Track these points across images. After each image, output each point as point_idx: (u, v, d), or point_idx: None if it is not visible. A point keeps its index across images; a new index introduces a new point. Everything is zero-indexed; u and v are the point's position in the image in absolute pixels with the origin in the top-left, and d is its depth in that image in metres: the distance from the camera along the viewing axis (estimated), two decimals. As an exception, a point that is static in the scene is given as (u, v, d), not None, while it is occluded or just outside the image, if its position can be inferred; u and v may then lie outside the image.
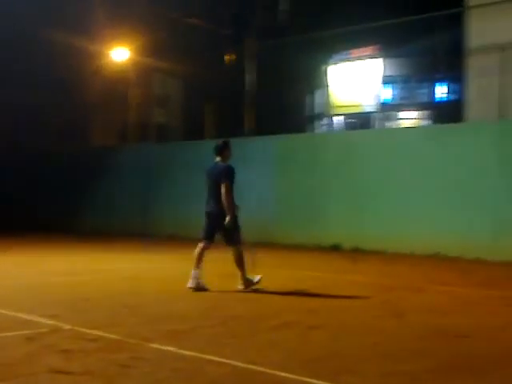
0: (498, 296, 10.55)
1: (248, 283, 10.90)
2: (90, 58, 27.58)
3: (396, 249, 15.77)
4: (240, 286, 10.90)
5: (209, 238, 10.92)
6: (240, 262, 10.86)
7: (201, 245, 10.97)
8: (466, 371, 6.36)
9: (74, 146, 27.54)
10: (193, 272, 10.80)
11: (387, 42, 37.62)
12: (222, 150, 10.90)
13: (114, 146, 26.75)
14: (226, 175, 10.62)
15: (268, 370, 6.23)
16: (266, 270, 13.39)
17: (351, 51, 39.65)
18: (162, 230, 21.01)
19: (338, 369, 6.33)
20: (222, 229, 10.67)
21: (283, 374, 6.10)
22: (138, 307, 9.41)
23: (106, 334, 7.53)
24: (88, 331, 7.70)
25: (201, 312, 9.15)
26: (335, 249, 16.98)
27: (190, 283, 10.78)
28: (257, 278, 10.97)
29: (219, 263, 14.59)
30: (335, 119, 43.82)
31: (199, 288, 10.74)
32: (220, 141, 11.16)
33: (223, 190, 10.55)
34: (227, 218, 10.54)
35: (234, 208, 10.60)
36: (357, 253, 16.25)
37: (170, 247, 17.90)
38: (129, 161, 23.16)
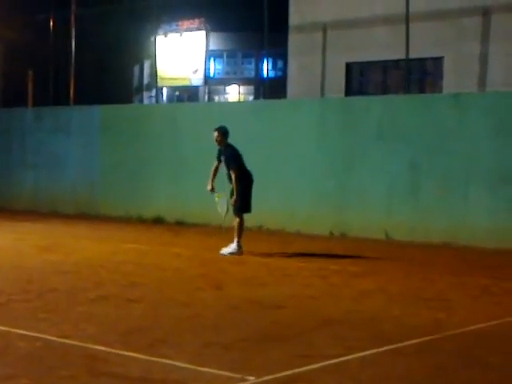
0: (313, 268, 10.94)
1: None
2: None
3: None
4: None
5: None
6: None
7: None
8: (278, 339, 6.58)
9: None
10: None
11: (214, 16, 37.82)
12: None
13: None
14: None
15: (82, 344, 6.15)
16: (88, 243, 13.20)
17: (180, 23, 39.52)
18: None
19: (155, 341, 6.35)
20: None
21: (97, 347, 6.05)
22: (-51, 281, 9.00)
23: None
24: None
25: (16, 285, 8.88)
26: (158, 222, 16.95)
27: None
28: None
29: (38, 235, 14.24)
30: (164, 91, 43.61)
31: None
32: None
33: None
34: None
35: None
36: (179, 226, 16.31)
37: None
38: None
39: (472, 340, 6.83)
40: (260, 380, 5.33)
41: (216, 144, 12.32)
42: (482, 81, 17.40)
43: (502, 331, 7.24)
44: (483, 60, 17.33)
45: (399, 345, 6.45)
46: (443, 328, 7.13)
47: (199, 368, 5.59)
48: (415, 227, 14.17)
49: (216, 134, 12.27)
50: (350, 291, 9.08)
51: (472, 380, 5.60)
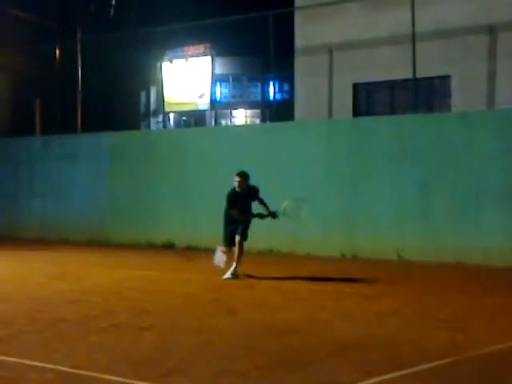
0: (326, 290, 10.83)
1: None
2: None
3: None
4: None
5: None
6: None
7: None
8: (293, 365, 6.46)
9: None
10: None
11: (219, 41, 37.93)
12: None
13: None
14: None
15: (95, 374, 6.06)
16: (98, 270, 13.12)
17: (185, 48, 39.62)
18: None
19: (168, 370, 6.25)
20: None
21: (110, 378, 5.95)
22: (-41, 313, 8.92)
23: None
24: None
25: (27, 315, 8.79)
26: (168, 247, 16.88)
27: None
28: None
29: (47, 264, 14.17)
30: (171, 116, 43.67)
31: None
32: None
33: None
34: None
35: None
36: (189, 251, 16.22)
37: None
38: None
39: (491, 361, 6.70)
40: (277, 408, 5.23)
41: (238, 189, 11.98)
42: (490, 99, 17.32)
43: (521, 352, 7.12)
44: (491, 78, 17.26)
45: (417, 368, 6.33)
46: (461, 350, 7.01)
47: (214, 397, 5.49)
48: (427, 247, 14.06)
49: (239, 179, 11.94)
50: (365, 314, 8.96)
51: (493, 403, 5.48)
